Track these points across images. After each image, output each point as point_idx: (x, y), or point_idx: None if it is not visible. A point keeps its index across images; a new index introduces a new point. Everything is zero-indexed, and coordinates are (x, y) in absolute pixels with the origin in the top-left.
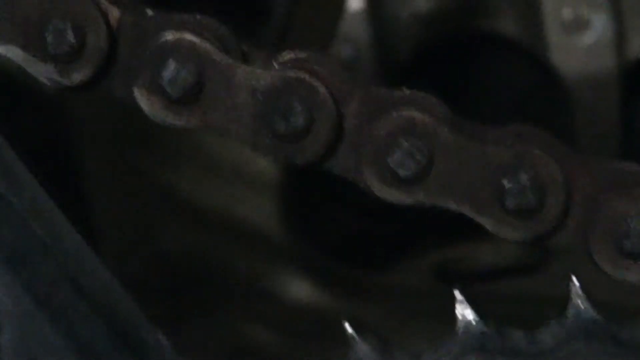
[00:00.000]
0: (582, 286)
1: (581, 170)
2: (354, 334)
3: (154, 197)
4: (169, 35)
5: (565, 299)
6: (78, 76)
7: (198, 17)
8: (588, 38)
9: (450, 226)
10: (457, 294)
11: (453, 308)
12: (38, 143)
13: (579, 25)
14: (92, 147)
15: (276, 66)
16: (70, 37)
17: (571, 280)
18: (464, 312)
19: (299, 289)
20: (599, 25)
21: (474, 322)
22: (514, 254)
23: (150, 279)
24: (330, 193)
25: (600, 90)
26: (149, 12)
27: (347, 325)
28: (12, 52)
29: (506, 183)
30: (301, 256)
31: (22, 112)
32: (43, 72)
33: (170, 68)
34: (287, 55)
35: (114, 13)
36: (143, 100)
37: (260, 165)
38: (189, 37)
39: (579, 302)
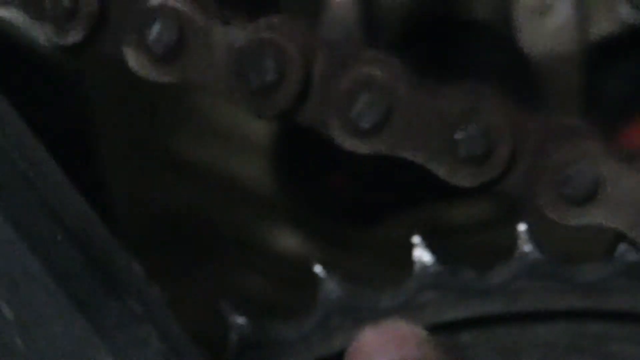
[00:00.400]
0: (529, 230)
1: (527, 124)
2: (322, 273)
3: (155, 158)
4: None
5: None
6: (73, 36)
7: None
8: (552, 22)
9: (428, 188)
10: (415, 238)
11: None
12: (46, 106)
13: (543, 10)
14: (98, 112)
15: (251, 28)
16: (65, 1)
17: (517, 226)
18: (421, 255)
19: (289, 242)
20: (562, 10)
21: (429, 264)
22: (485, 211)
23: (151, 234)
24: (321, 155)
25: (565, 68)
26: None
27: (316, 266)
28: (14, 16)
29: (458, 134)
30: (291, 211)
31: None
32: (42, 33)
33: (156, 28)
34: (262, 20)
35: None
36: (131, 58)
37: (254, 127)
38: (172, 1)
39: (525, 244)
